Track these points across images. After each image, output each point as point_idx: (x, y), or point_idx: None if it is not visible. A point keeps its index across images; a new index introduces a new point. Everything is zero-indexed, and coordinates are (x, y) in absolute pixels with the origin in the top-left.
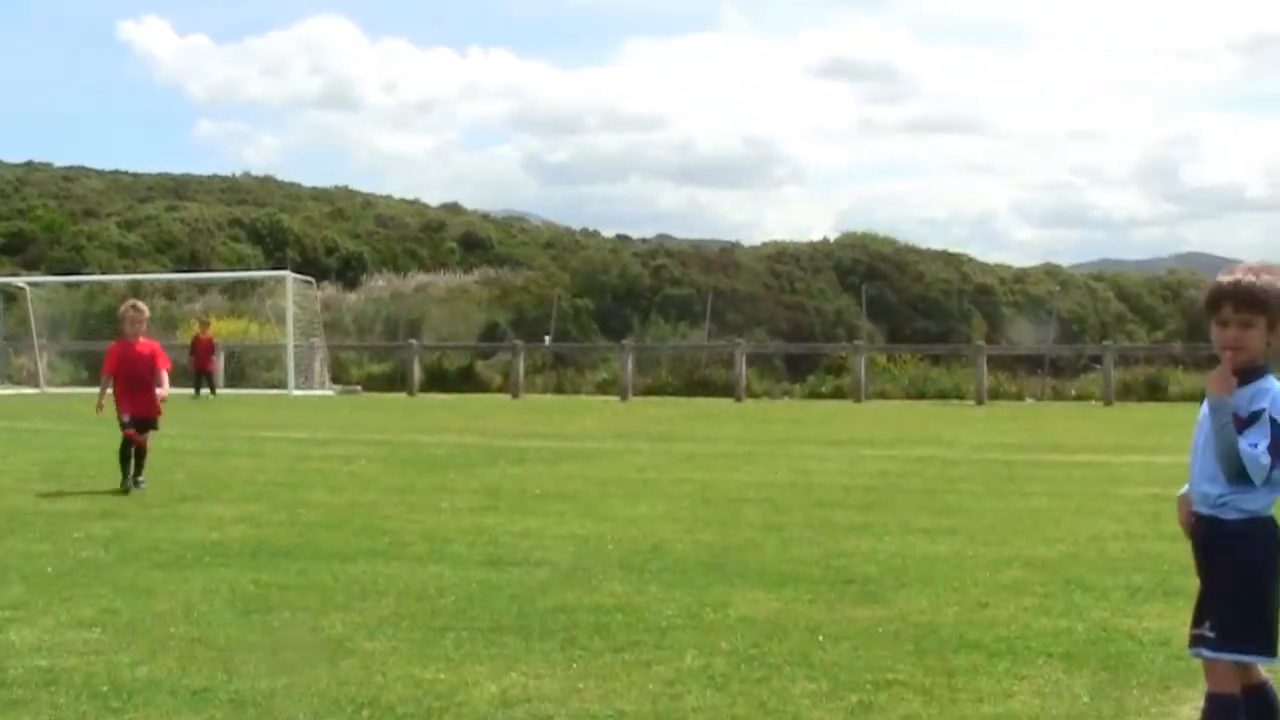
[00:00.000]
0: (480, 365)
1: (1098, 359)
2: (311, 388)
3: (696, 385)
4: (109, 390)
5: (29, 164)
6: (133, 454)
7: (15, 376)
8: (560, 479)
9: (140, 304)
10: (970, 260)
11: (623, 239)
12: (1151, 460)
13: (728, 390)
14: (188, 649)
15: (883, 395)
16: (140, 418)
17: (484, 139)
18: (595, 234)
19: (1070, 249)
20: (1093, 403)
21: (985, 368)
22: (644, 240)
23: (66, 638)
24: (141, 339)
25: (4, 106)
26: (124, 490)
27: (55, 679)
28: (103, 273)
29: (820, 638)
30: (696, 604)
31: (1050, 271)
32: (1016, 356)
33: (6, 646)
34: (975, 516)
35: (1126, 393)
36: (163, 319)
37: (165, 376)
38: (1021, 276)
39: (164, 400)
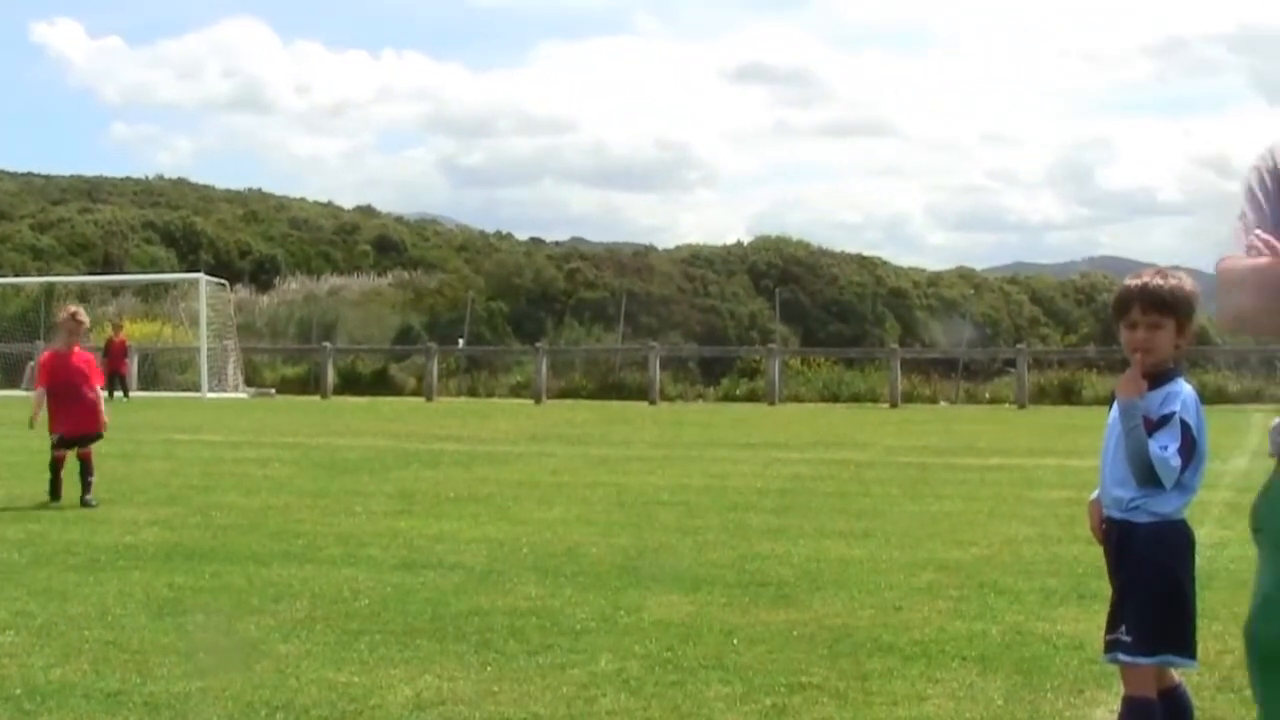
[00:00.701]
0: (394, 368)
1: (1011, 362)
2: (225, 390)
3: (611, 388)
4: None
5: None
6: (79, 471)
7: None
8: (474, 482)
9: (81, 313)
10: (884, 264)
11: (536, 242)
12: (1066, 463)
13: (642, 393)
14: (102, 651)
15: (797, 398)
16: (73, 436)
17: (397, 142)
18: (509, 237)
19: (984, 252)
20: (1007, 406)
21: (899, 371)
22: (558, 243)
23: None
24: (77, 349)
25: None
26: (52, 499)
27: None
28: (16, 275)
29: (735, 641)
30: (611, 607)
31: (964, 275)
32: (930, 360)
33: None
34: (890, 520)
35: (1041, 396)
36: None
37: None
38: (935, 280)
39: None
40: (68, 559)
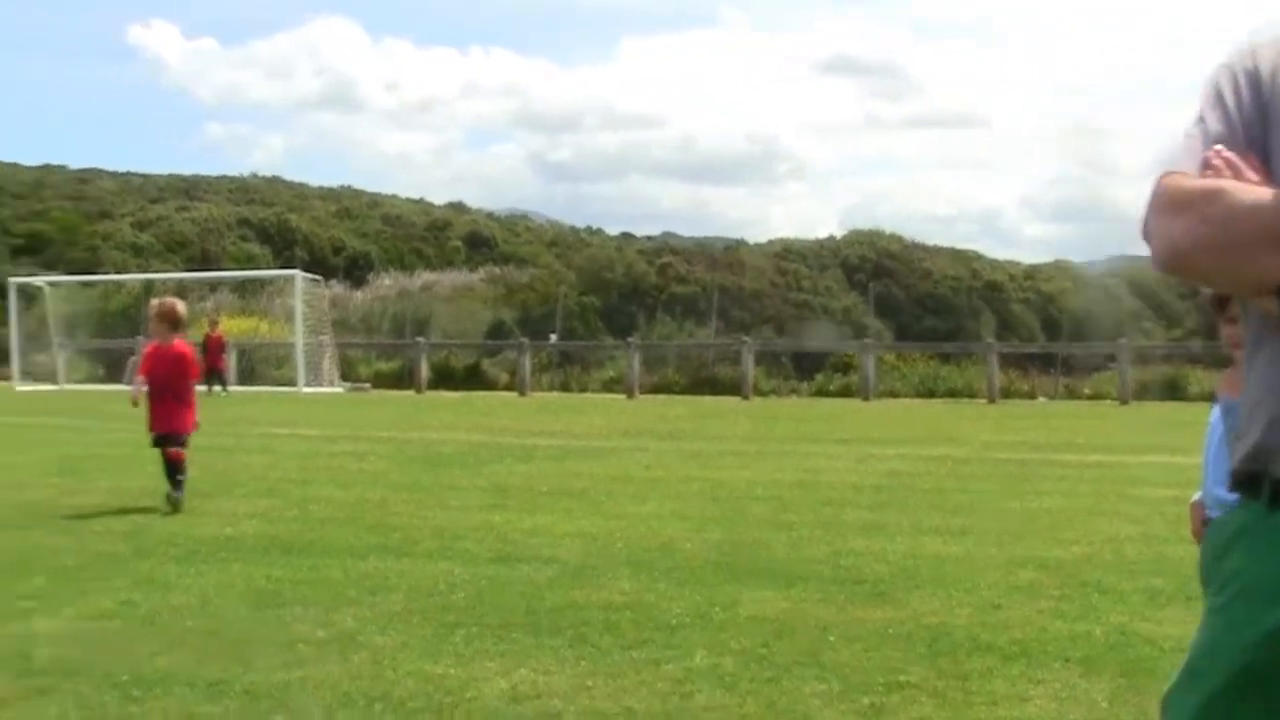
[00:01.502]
0: (487, 363)
1: (1112, 357)
2: (321, 385)
3: (703, 383)
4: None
5: (45, 166)
6: (167, 470)
7: (35, 374)
8: (568, 476)
9: (170, 302)
10: (979, 257)
11: (627, 237)
12: (1170, 460)
13: (734, 388)
14: (203, 641)
15: (891, 394)
16: (165, 434)
17: (486, 138)
18: (599, 232)
19: (1083, 245)
20: (1108, 402)
21: (996, 366)
22: (649, 238)
23: (86, 628)
24: (178, 342)
25: (20, 110)
26: (171, 506)
27: (77, 668)
28: (117, 272)
29: (830, 638)
30: (705, 603)
31: (1062, 268)
32: (1028, 354)
33: (31, 635)
34: (988, 517)
35: (1143, 392)
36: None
37: (191, 386)
38: (1032, 273)
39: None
40: (169, 550)
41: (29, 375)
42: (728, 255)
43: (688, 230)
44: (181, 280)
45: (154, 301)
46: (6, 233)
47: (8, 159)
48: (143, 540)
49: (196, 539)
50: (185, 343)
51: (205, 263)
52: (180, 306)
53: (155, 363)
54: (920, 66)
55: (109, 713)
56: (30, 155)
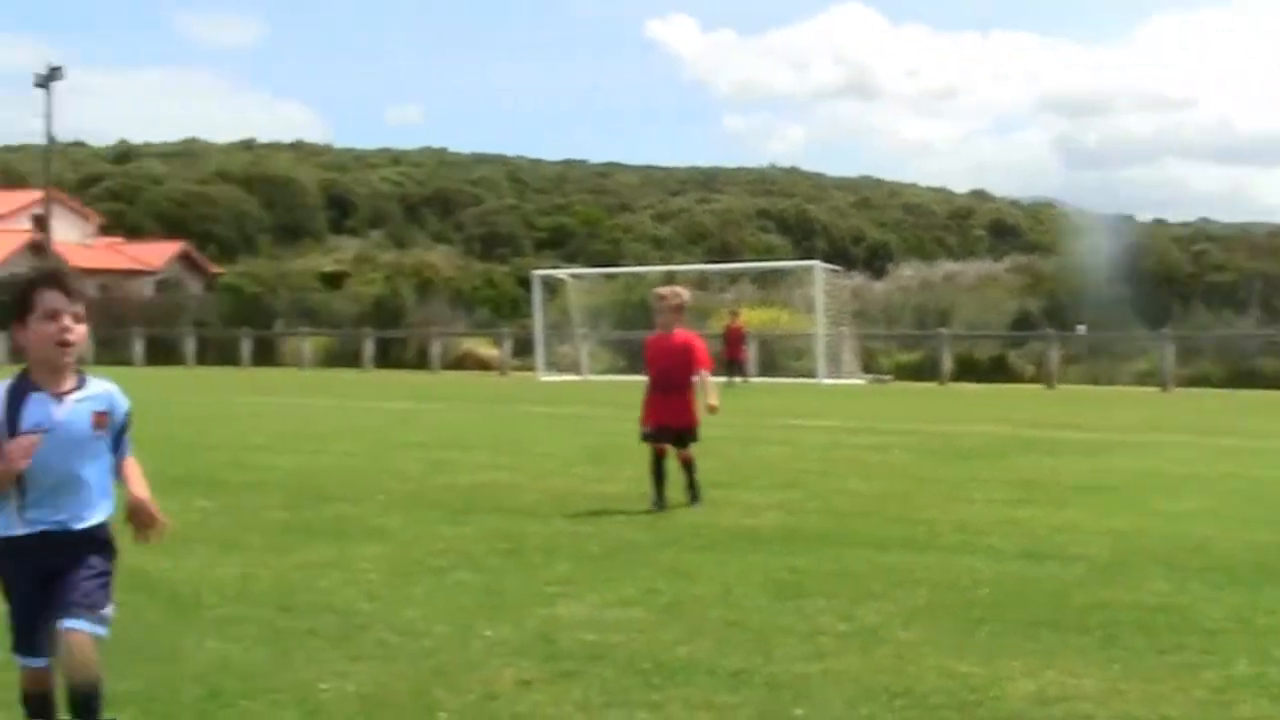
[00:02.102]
0: (1012, 355)
1: None
2: (841, 377)
3: (1243, 376)
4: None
5: (567, 162)
6: (663, 470)
7: (559, 364)
8: (1097, 471)
9: (676, 290)
10: None
11: (1160, 223)
12: None
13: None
14: (724, 631)
15: None
16: (661, 428)
17: (1009, 123)
18: (1130, 219)
19: None
20: None
21: None
22: (1184, 225)
23: (611, 615)
24: (678, 331)
25: (544, 107)
26: (654, 507)
27: (602, 654)
28: (638, 264)
29: None
30: (1248, 607)
31: None
32: None
33: (556, 620)
34: None
35: None
36: (695, 309)
37: (707, 377)
38: None
39: (713, 410)
40: (691, 540)
41: (553, 366)
42: (1270, 241)
43: (1225, 215)
44: (702, 272)
45: (661, 290)
46: (531, 227)
47: (532, 155)
48: (665, 530)
49: (718, 529)
50: (688, 332)
51: (725, 254)
52: (685, 294)
53: (656, 353)
54: None
55: (631, 698)
56: (553, 151)
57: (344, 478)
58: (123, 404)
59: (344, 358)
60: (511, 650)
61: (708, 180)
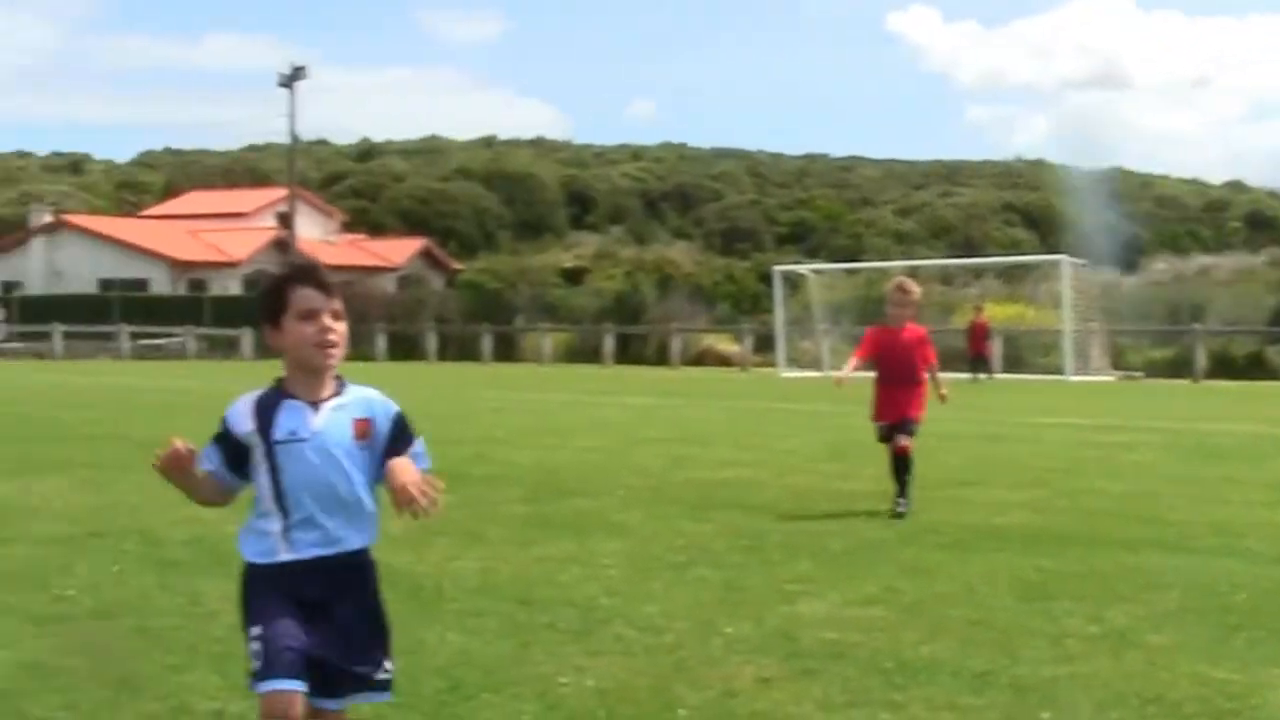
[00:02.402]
0: (1270, 351)
1: None
2: (1089, 373)
3: None
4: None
5: (808, 156)
6: (893, 468)
7: (799, 360)
8: None
9: (909, 284)
10: None
11: None
12: None
13: None
14: (968, 631)
15: None
16: (895, 423)
17: (1266, 110)
18: None
19: None
20: None
21: None
22: None
23: (851, 613)
24: (909, 325)
25: (785, 102)
26: (893, 514)
27: (842, 652)
28: (880, 259)
29: None
30: None
31: None
32: None
33: (797, 618)
34: None
35: None
36: (939, 304)
37: (936, 370)
38: None
39: (944, 399)
40: (934, 538)
41: (794, 362)
42: None
43: None
44: (945, 266)
45: (905, 284)
46: (772, 222)
47: (773, 149)
48: (908, 527)
49: (962, 527)
50: (918, 326)
51: (969, 249)
52: (916, 287)
53: (880, 346)
54: None
55: (873, 698)
56: (794, 145)
57: (584, 473)
58: (388, 408)
59: (584, 354)
60: (751, 648)
61: (951, 174)
